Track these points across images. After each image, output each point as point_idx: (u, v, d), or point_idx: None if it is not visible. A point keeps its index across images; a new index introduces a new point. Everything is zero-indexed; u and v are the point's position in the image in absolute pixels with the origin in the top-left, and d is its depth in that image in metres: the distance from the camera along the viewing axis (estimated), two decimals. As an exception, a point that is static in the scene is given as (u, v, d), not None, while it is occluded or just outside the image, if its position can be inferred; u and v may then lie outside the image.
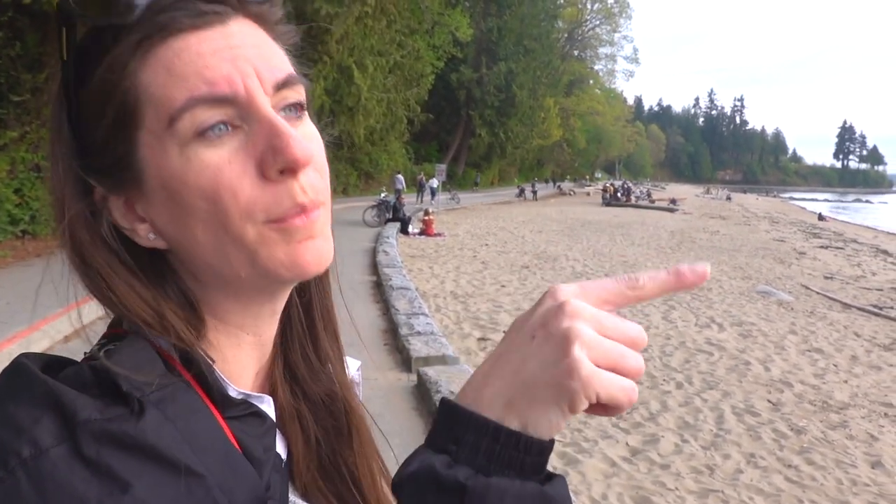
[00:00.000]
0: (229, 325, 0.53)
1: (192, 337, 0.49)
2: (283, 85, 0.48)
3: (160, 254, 0.51)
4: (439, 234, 18.84)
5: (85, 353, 0.49)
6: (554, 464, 4.58)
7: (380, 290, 9.21)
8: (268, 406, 0.54)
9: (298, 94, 0.50)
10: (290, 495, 0.56)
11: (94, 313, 0.55)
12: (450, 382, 4.91)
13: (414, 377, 5.43)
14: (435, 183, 34.48)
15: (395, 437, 4.25)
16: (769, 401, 6.22)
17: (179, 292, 0.51)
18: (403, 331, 6.54)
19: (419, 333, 6.44)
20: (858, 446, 5.29)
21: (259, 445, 0.49)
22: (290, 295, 0.59)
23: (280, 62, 0.49)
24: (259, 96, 0.46)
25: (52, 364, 0.45)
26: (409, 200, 30.85)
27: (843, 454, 5.10)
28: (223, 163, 0.45)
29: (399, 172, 29.83)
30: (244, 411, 0.50)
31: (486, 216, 28.11)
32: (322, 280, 0.63)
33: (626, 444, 5.06)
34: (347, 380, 0.66)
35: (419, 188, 32.99)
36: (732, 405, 6.02)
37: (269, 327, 0.57)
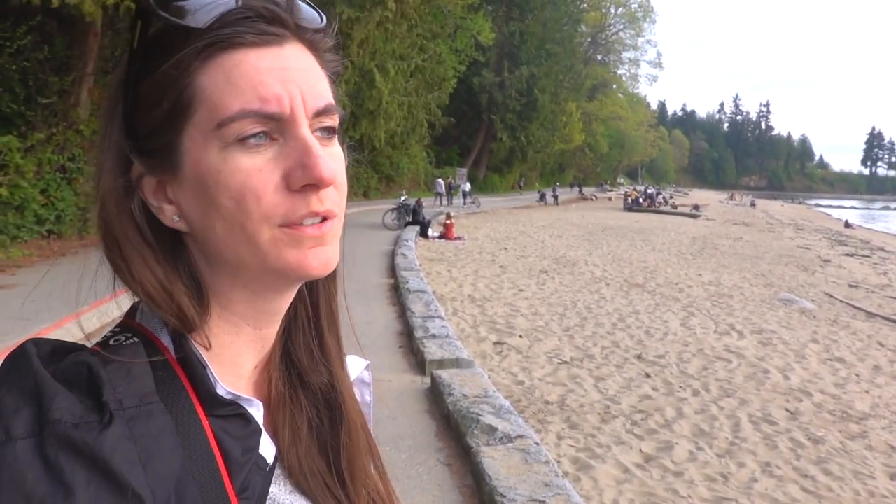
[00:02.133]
0: (233, 313, 0.56)
1: (196, 316, 0.52)
2: (321, 112, 0.53)
3: (180, 236, 0.55)
4: (459, 238, 18.85)
5: (97, 340, 0.53)
6: (566, 469, 4.57)
7: (397, 293, 9.25)
8: (256, 410, 0.55)
9: (333, 120, 0.55)
10: (280, 489, 0.58)
11: (116, 312, 0.58)
12: (463, 385, 4.91)
13: (428, 380, 5.45)
14: (468, 186, 34.84)
15: (407, 439, 4.30)
16: (787, 410, 6.14)
17: (191, 274, 0.54)
18: (419, 333, 6.56)
19: (434, 336, 6.45)
20: (878, 457, 5.21)
21: (239, 447, 0.51)
22: (299, 292, 0.62)
23: (323, 89, 0.54)
24: (300, 117, 0.51)
25: (57, 351, 0.47)
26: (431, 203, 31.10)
27: (861, 465, 5.03)
28: (255, 169, 0.50)
29: (439, 178, 30.07)
30: (230, 412, 0.52)
31: (506, 220, 28.07)
32: (329, 281, 0.66)
33: (640, 450, 5.03)
34: (346, 376, 0.68)
35: (448, 190, 33.23)
36: (749, 413, 5.95)
37: (272, 323, 0.59)
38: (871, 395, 6.79)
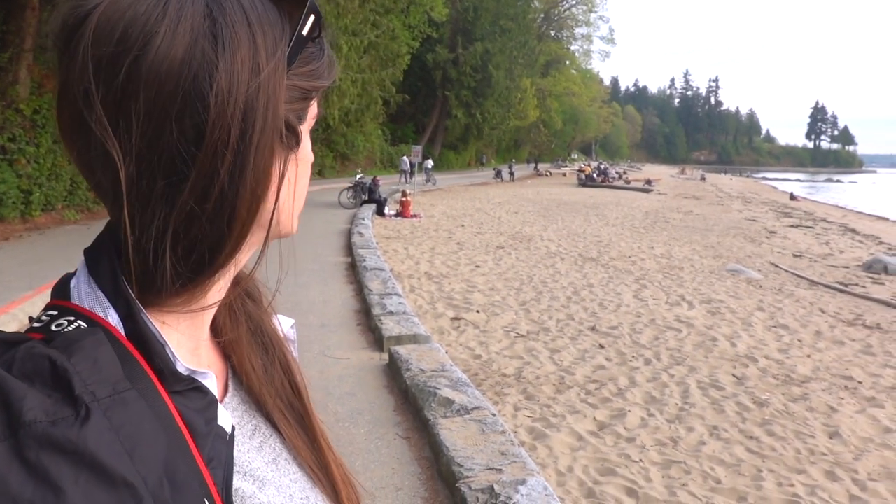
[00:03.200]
0: (224, 277, 0.58)
1: (223, 269, 0.56)
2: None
3: None
4: (415, 216, 18.85)
5: (31, 319, 0.51)
6: (522, 438, 4.67)
7: (354, 272, 9.23)
8: (210, 382, 0.56)
9: None
10: (240, 450, 0.60)
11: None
12: (420, 360, 4.96)
13: (386, 356, 5.48)
14: (430, 164, 34.81)
15: (365, 415, 4.32)
16: (734, 375, 6.37)
17: None
18: (376, 311, 6.58)
19: (392, 313, 6.48)
20: (818, 418, 5.46)
21: (202, 419, 0.51)
22: None
23: None
24: None
25: (1, 343, 0.46)
26: (395, 181, 30.90)
27: (802, 425, 5.26)
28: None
29: (405, 156, 29.95)
30: (187, 386, 0.52)
31: (462, 197, 28.13)
32: None
33: (594, 418, 5.17)
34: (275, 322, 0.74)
35: (407, 170, 32.97)
36: (698, 380, 6.16)
37: (233, 274, 0.62)
38: (812, 360, 7.08)
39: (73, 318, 0.50)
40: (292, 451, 0.66)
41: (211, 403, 0.54)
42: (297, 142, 0.58)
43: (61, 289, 0.53)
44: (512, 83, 53.08)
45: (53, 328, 0.49)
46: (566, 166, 76.98)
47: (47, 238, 10.98)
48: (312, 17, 0.54)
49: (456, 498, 3.14)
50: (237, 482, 0.56)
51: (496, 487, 3.01)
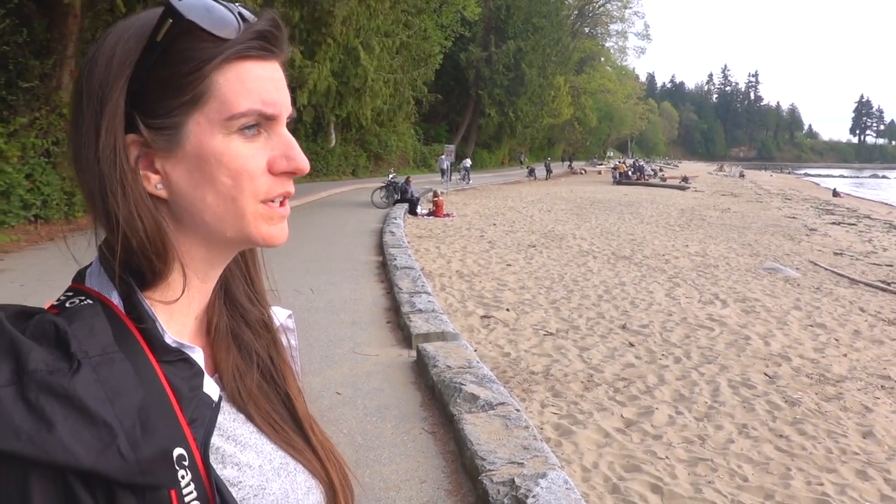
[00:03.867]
0: (187, 268, 0.66)
1: (166, 267, 0.63)
2: (291, 114, 0.67)
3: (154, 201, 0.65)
4: (448, 215, 18.91)
5: (52, 303, 0.62)
6: (548, 435, 4.70)
7: (385, 271, 9.33)
8: (198, 355, 0.65)
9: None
10: (226, 418, 0.67)
11: None
12: (447, 357, 5.02)
13: (413, 353, 5.56)
14: (468, 163, 35.10)
15: (392, 409, 4.41)
16: (766, 374, 6.30)
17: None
18: (405, 308, 6.66)
19: (420, 311, 6.55)
20: (851, 417, 5.37)
21: (186, 385, 0.61)
22: None
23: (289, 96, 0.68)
24: (283, 118, 0.64)
25: (21, 313, 0.57)
26: (436, 180, 31.01)
27: (835, 425, 5.19)
28: (250, 155, 0.62)
29: (442, 155, 30.03)
30: (176, 357, 0.62)
31: (495, 196, 28.12)
32: None
33: (621, 416, 5.17)
34: (270, 313, 0.81)
35: (446, 168, 33.12)
36: (729, 378, 6.11)
37: (214, 277, 0.71)
38: (848, 359, 6.95)
39: (83, 297, 0.61)
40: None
41: (196, 374, 0.63)
42: (171, 139, 0.61)
43: (79, 276, 0.66)
44: (545, 81, 52.84)
45: (67, 305, 0.60)
46: (601, 164, 76.30)
47: (90, 238, 11.33)
48: (170, 21, 0.59)
49: (478, 490, 3.20)
50: (220, 443, 0.65)
51: (517, 480, 3.05)
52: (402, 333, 6.24)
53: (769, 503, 3.94)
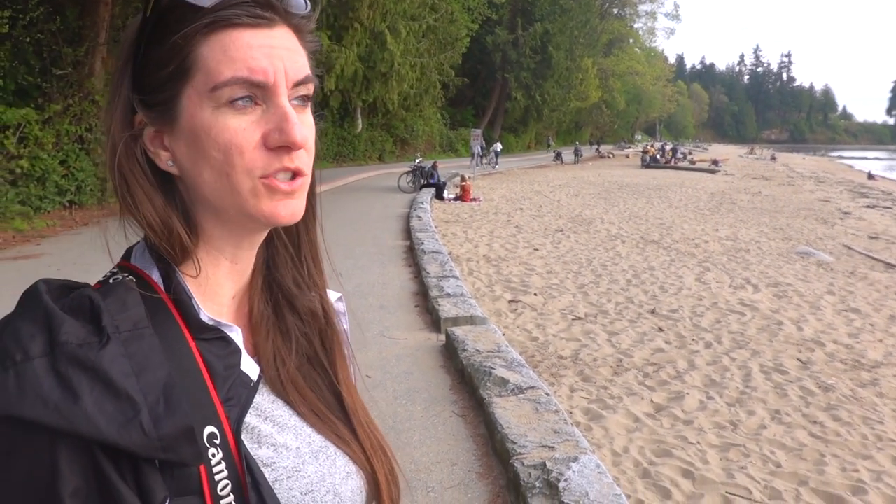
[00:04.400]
0: (212, 248, 0.67)
1: (188, 244, 0.63)
2: (300, 82, 0.63)
3: (171, 178, 0.65)
4: (475, 199, 18.87)
5: (100, 279, 0.63)
6: (578, 419, 4.70)
7: (412, 255, 9.36)
8: (236, 335, 0.66)
9: (308, 90, 0.65)
10: (264, 398, 0.68)
11: None
12: (476, 341, 5.04)
13: (442, 337, 5.58)
14: (499, 146, 35.25)
15: (422, 393, 4.43)
16: (799, 359, 6.21)
17: (183, 210, 0.65)
18: (433, 293, 6.68)
19: (449, 295, 6.57)
20: (888, 403, 5.28)
21: (221, 364, 0.62)
22: (277, 233, 0.74)
23: (303, 64, 0.64)
24: (281, 88, 0.61)
25: (65, 287, 0.58)
26: (463, 164, 31.01)
27: (870, 411, 5.10)
28: (240, 129, 0.59)
29: (474, 138, 29.96)
30: (213, 335, 0.63)
31: (521, 180, 27.97)
32: (310, 223, 0.77)
33: (651, 400, 5.15)
34: (329, 301, 0.80)
35: (481, 151, 33.15)
36: (761, 364, 6.03)
37: (247, 258, 0.70)
38: (884, 344, 6.82)
39: (126, 274, 0.62)
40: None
41: (233, 352, 0.64)
42: (167, 115, 0.61)
43: (126, 253, 0.67)
44: (573, 63, 52.17)
45: (110, 281, 0.61)
46: (629, 147, 75.40)
47: (122, 223, 11.54)
48: None
49: (509, 473, 3.21)
50: (256, 423, 0.65)
51: (548, 464, 3.06)
52: (431, 317, 6.26)
53: (803, 489, 3.90)
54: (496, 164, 34.44)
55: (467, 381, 4.53)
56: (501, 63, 48.09)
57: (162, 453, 0.52)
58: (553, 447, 3.28)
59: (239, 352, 0.64)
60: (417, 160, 21.79)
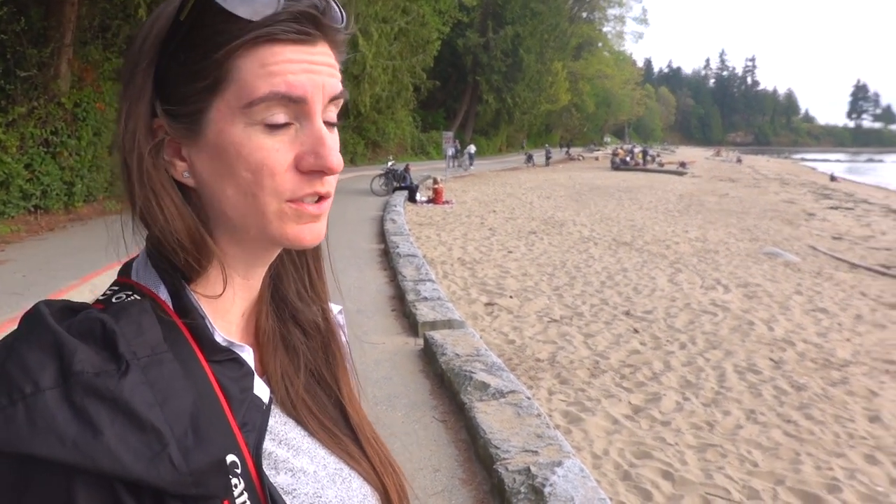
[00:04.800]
0: (226, 265, 0.63)
1: (207, 261, 0.59)
2: (335, 97, 0.60)
3: (185, 190, 0.61)
4: (447, 202, 18.88)
5: (98, 298, 0.59)
6: (557, 422, 4.71)
7: (387, 258, 9.32)
8: (248, 355, 0.62)
9: (338, 105, 0.62)
10: (276, 421, 0.65)
11: (105, 285, 0.64)
12: (455, 345, 5.02)
13: (420, 341, 5.55)
14: (473, 149, 35.45)
15: (402, 398, 4.40)
16: (771, 359, 6.31)
17: (199, 224, 0.61)
18: (410, 297, 6.65)
19: (426, 299, 6.55)
20: (858, 402, 5.39)
21: (237, 387, 0.58)
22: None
23: (337, 80, 0.61)
24: (317, 107, 0.58)
25: (67, 309, 0.54)
26: (435, 167, 31.07)
27: (842, 409, 5.20)
28: (273, 149, 0.56)
29: (446, 141, 29.92)
30: (226, 357, 0.59)
31: (493, 183, 28.05)
32: None
33: (629, 402, 5.18)
34: (332, 313, 0.78)
35: (455, 154, 33.37)
36: (734, 364, 6.12)
37: (258, 275, 0.67)
38: (852, 343, 6.97)
39: (130, 293, 0.58)
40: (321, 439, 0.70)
41: (247, 374, 0.60)
42: (192, 127, 0.57)
43: (125, 269, 0.62)
44: (543, 67, 52.59)
45: (114, 300, 0.57)
46: (599, 150, 76.13)
47: (90, 228, 11.30)
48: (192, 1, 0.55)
49: (493, 479, 3.20)
50: (272, 447, 0.62)
51: (533, 469, 3.05)
52: (408, 321, 6.23)
53: (780, 488, 3.95)
54: (471, 165, 34.63)
55: (447, 386, 4.51)
56: (472, 66, 48.24)
57: (193, 489, 0.48)
58: (537, 451, 3.28)
59: (252, 374, 0.61)
60: (390, 163, 21.72)
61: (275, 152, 0.57)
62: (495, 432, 3.54)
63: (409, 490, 0.76)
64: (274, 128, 0.57)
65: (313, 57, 0.58)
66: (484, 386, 4.18)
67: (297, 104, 0.57)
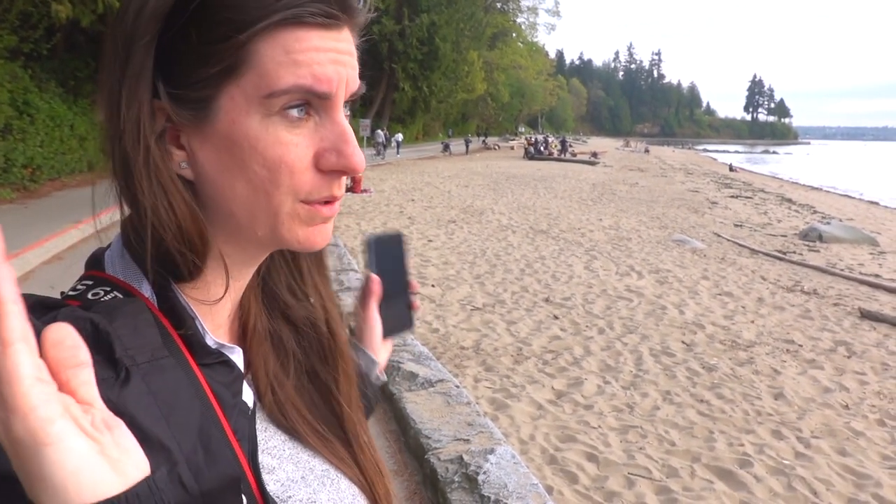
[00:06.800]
0: (218, 263, 0.57)
1: (203, 262, 0.53)
2: (355, 92, 0.56)
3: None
4: (366, 191, 18.70)
5: (63, 293, 0.52)
6: (484, 409, 4.75)
7: (307, 248, 9.13)
8: (237, 357, 0.57)
9: (352, 99, 0.58)
10: (258, 426, 0.59)
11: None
12: (381, 336, 4.97)
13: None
14: (400, 137, 35.54)
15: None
16: (683, 342, 6.59)
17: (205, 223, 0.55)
18: (333, 287, 6.53)
19: (349, 289, 6.45)
20: (763, 380, 5.71)
21: (228, 392, 0.52)
22: None
23: (357, 72, 0.56)
24: (341, 100, 0.54)
25: (39, 306, 0.46)
26: (368, 153, 30.81)
27: (749, 388, 5.50)
28: (293, 144, 0.51)
29: (379, 129, 29.66)
30: (216, 359, 0.53)
31: (411, 172, 27.99)
32: None
33: (552, 387, 5.29)
34: (335, 309, 0.72)
35: (384, 142, 33.44)
36: (650, 347, 6.35)
37: (247, 275, 0.61)
38: (756, 325, 7.37)
39: (108, 289, 0.51)
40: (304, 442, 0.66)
41: (237, 378, 0.55)
42: (199, 114, 0.51)
43: (96, 261, 0.55)
44: (459, 56, 52.80)
45: (90, 297, 0.50)
46: (513, 139, 77.33)
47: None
48: None
49: (425, 469, 3.19)
50: (260, 456, 0.57)
51: (465, 457, 3.06)
52: (331, 312, 6.13)
53: (697, 465, 4.13)
54: (397, 153, 35.08)
55: (374, 377, 4.46)
56: (388, 53, 47.86)
57: None
58: (468, 440, 3.29)
59: (241, 377, 0.56)
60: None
61: (294, 147, 0.52)
62: (426, 422, 3.53)
63: (394, 497, 0.73)
64: (293, 121, 0.51)
65: (339, 45, 0.53)
66: (412, 375, 4.16)
67: (320, 98, 0.52)
